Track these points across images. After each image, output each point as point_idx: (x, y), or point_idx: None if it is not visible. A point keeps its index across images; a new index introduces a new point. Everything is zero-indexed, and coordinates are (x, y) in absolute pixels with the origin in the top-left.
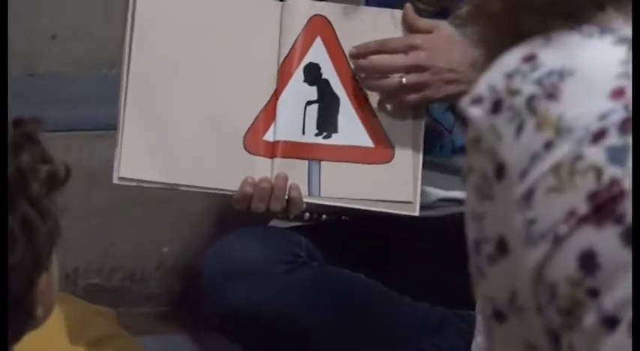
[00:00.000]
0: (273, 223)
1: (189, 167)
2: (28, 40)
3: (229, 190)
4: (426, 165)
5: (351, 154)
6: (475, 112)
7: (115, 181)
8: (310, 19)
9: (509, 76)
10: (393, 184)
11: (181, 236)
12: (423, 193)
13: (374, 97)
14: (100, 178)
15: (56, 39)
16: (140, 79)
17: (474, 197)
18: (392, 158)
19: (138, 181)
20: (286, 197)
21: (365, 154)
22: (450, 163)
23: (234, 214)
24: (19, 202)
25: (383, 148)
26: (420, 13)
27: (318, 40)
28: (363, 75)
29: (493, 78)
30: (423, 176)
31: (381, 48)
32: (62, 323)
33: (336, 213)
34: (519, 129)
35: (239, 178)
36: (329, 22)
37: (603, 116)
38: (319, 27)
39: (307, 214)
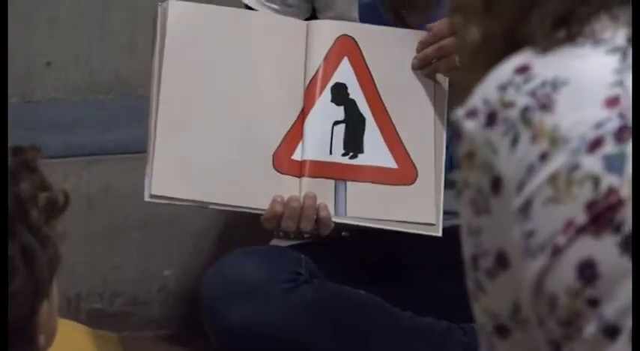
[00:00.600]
0: (274, 242)
1: (219, 186)
2: (24, 67)
3: (259, 209)
4: None
5: (376, 175)
6: (469, 126)
7: (147, 199)
8: (337, 39)
9: (503, 88)
10: (416, 205)
11: (182, 258)
12: None
13: (397, 118)
14: (99, 203)
15: (52, 65)
16: (171, 99)
17: (470, 212)
18: (415, 179)
19: (169, 198)
20: (315, 217)
21: (389, 175)
22: (448, 177)
23: (235, 235)
24: (19, 230)
25: (406, 169)
26: (408, 24)
27: (345, 61)
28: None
29: (487, 90)
30: None
31: (435, 38)
32: (67, 349)
33: (336, 230)
34: (514, 141)
35: (268, 197)
36: (355, 42)
37: (598, 125)
38: (346, 47)
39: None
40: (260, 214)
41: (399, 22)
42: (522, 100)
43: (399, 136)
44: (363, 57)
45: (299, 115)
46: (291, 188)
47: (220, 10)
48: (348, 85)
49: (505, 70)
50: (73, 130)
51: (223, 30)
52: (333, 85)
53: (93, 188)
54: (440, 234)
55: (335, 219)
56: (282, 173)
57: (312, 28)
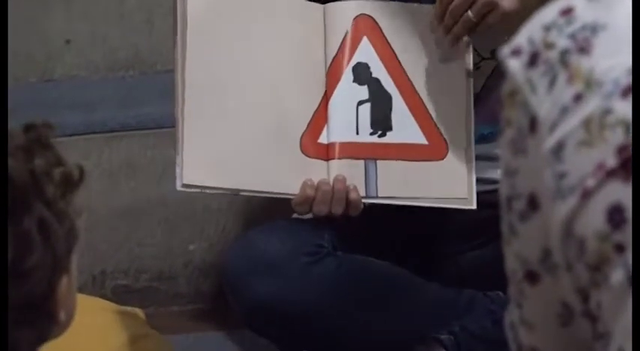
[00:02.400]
0: (296, 215)
1: (249, 172)
2: (43, 46)
3: (289, 194)
4: None
5: (406, 152)
6: (513, 65)
7: (179, 188)
8: (354, 19)
9: (547, 28)
10: (448, 180)
11: (207, 233)
12: None
13: (425, 93)
14: (121, 180)
15: (71, 43)
16: (197, 87)
17: (509, 152)
18: (446, 155)
19: (201, 187)
20: (345, 200)
21: (420, 152)
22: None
23: (257, 209)
24: (35, 205)
25: (436, 144)
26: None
27: (365, 40)
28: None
29: (532, 30)
30: None
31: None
32: (92, 325)
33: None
34: (552, 82)
35: (298, 182)
36: (374, 20)
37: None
38: (365, 26)
39: None
40: (290, 199)
41: None
42: (563, 42)
43: (428, 111)
44: (383, 35)
45: (322, 98)
46: (320, 172)
47: None
48: (370, 65)
49: (551, 10)
50: (93, 108)
51: (244, 14)
52: (354, 66)
53: (115, 165)
54: (474, 206)
55: (367, 200)
56: (309, 157)
57: (328, 11)
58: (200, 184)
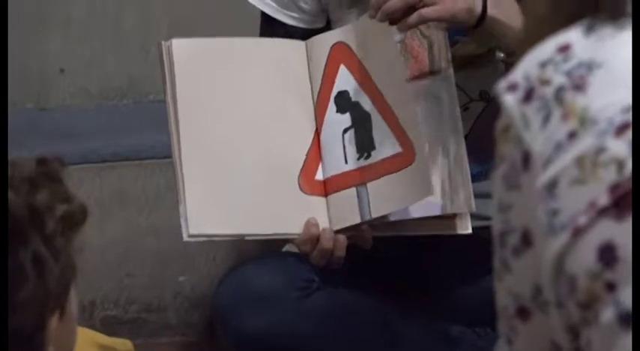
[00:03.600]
0: (287, 248)
1: (252, 217)
2: (38, 74)
3: (294, 234)
4: None
5: (388, 167)
6: (509, 100)
7: (186, 238)
8: (331, 49)
9: (543, 65)
10: (418, 183)
11: (197, 265)
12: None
13: (392, 100)
14: (112, 210)
15: (65, 72)
16: (192, 139)
17: (502, 187)
18: (414, 158)
19: (207, 236)
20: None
21: (397, 162)
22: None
23: (249, 241)
24: (32, 238)
25: (407, 149)
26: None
27: (342, 68)
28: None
29: (528, 65)
30: None
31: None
32: None
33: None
34: (546, 119)
35: (301, 221)
36: (347, 45)
37: (627, 109)
38: (340, 54)
39: None
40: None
41: None
42: (558, 79)
43: (396, 117)
44: (356, 57)
45: (314, 134)
46: (320, 209)
47: (224, 42)
48: (349, 91)
49: (548, 47)
50: (86, 137)
51: (230, 62)
52: (335, 96)
53: (107, 194)
54: (469, 231)
55: (365, 224)
56: (309, 195)
57: (309, 46)
58: (206, 233)
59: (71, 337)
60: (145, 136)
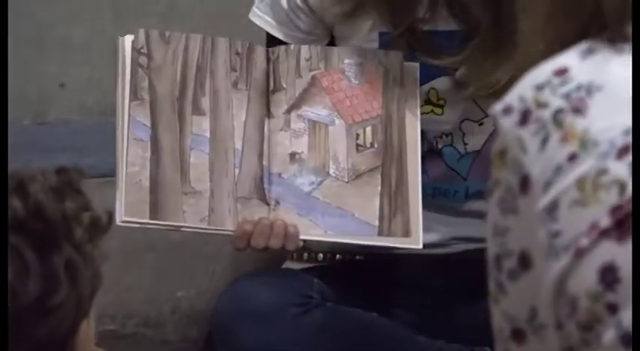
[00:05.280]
0: (287, 264)
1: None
2: (37, 89)
3: (229, 231)
4: (439, 208)
5: None
6: (504, 123)
7: (118, 223)
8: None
9: (540, 87)
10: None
11: (195, 280)
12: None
13: None
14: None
15: (65, 87)
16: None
17: (498, 211)
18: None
19: (141, 223)
20: (284, 233)
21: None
22: (463, 208)
23: (247, 257)
24: (64, 246)
25: None
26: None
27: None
28: None
29: (524, 88)
30: (432, 219)
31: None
32: None
33: (351, 253)
34: (544, 141)
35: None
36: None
37: (628, 131)
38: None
39: (321, 255)
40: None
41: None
42: (556, 102)
43: None
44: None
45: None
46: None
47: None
48: None
49: (544, 70)
50: (85, 152)
51: None
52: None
53: (105, 209)
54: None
55: (306, 237)
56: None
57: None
58: (139, 220)
59: (90, 345)
60: None
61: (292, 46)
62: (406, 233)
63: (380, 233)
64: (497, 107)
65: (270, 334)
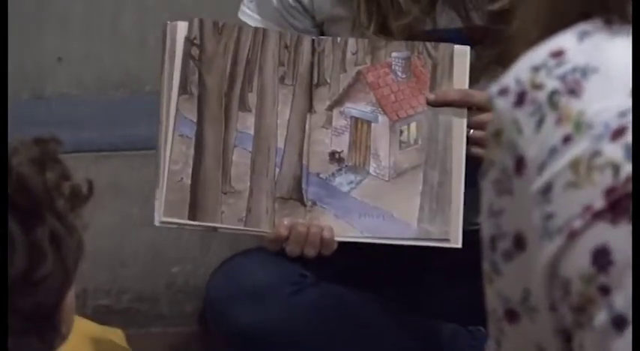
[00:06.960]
0: None
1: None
2: (35, 63)
3: (264, 232)
4: None
5: None
6: (500, 104)
7: (157, 224)
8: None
9: (536, 69)
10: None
11: (191, 255)
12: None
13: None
14: (107, 199)
15: (62, 61)
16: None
17: (493, 192)
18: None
19: (179, 224)
20: (319, 243)
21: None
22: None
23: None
24: (47, 217)
25: None
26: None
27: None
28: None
29: (520, 70)
30: None
31: (466, 100)
32: (72, 345)
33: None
34: (540, 123)
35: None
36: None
37: (623, 114)
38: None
39: None
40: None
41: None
42: (552, 84)
43: None
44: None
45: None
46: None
47: None
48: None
49: (541, 52)
50: (82, 126)
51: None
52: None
53: (101, 184)
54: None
55: (341, 239)
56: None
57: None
58: (178, 221)
59: (73, 313)
60: (140, 127)
61: (339, 39)
62: (445, 233)
63: (418, 234)
64: (494, 88)
65: (264, 312)
